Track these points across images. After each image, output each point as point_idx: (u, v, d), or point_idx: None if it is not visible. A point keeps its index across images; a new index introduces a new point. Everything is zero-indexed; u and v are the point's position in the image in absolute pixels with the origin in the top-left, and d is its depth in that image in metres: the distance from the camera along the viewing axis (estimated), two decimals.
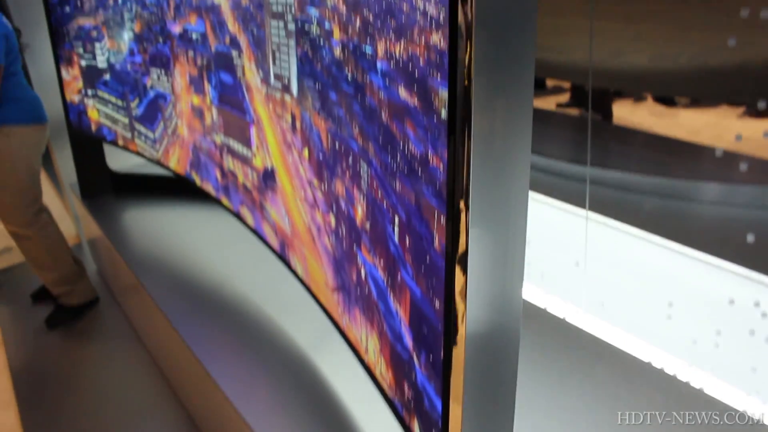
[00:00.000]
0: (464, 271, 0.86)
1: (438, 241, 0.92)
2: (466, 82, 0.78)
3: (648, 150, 2.81)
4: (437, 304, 0.95)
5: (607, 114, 4.28)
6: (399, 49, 0.94)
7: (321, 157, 1.35)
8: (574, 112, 4.40)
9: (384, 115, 1.03)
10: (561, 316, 2.13)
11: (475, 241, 0.85)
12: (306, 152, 1.43)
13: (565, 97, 4.23)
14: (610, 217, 2.41)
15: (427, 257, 0.96)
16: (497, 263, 0.89)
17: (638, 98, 2.93)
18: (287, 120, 1.50)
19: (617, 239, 2.42)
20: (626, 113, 4.12)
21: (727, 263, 2.13)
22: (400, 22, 0.92)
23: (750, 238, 1.95)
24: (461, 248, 0.85)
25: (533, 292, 2.43)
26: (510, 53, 0.80)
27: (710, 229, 2.37)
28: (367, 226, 1.18)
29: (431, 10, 0.83)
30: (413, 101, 0.92)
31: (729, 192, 2.44)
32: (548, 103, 3.88)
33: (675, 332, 2.09)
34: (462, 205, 0.83)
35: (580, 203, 2.43)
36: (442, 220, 0.89)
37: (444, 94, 0.83)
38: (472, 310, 0.88)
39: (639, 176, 2.58)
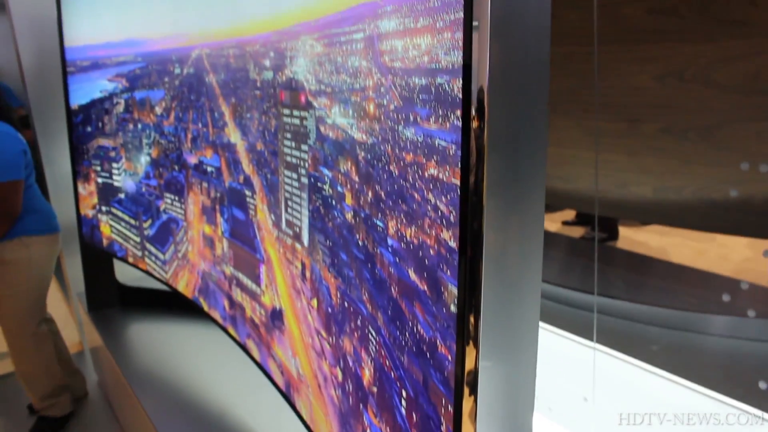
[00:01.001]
0: (474, 397, 0.85)
1: (446, 428, 0.91)
2: (478, 207, 0.80)
3: (655, 278, 2.83)
4: None
5: (613, 232, 4.32)
6: (410, 233, 0.96)
7: (329, 311, 1.36)
8: (579, 231, 4.45)
9: (393, 290, 1.04)
10: None
11: (485, 372, 0.85)
12: (315, 302, 1.44)
13: (570, 215, 4.28)
14: (617, 349, 2.38)
15: None
16: (509, 392, 0.89)
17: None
18: (297, 267, 1.52)
19: (626, 372, 2.38)
20: (631, 232, 4.15)
21: (741, 404, 2.09)
22: (411, 208, 0.95)
23: (763, 385, 1.92)
24: (469, 371, 0.85)
25: (541, 423, 2.38)
26: (521, 179, 0.83)
27: (720, 365, 2.34)
28: (374, 390, 1.17)
29: (442, 207, 0.86)
30: (423, 287, 0.93)
31: (737, 325, 2.43)
32: (552, 222, 3.92)
33: None
34: (472, 324, 0.83)
35: (585, 333, 2.42)
36: (450, 407, 0.89)
37: (454, 290, 0.84)
38: None
39: (646, 306, 2.57)
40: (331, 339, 1.37)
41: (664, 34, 2.35)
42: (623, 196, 2.66)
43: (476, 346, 0.84)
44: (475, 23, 0.79)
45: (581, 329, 2.49)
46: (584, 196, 2.78)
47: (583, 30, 2.57)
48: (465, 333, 0.85)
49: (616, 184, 2.66)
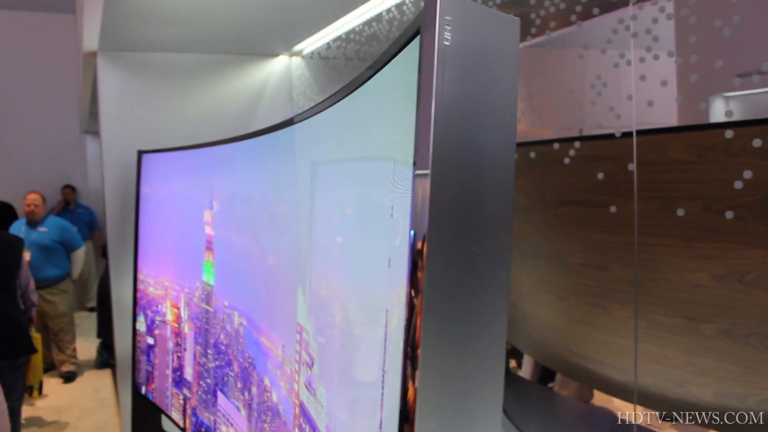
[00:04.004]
0: None
1: None
2: None
3: None
4: None
5: None
6: None
7: None
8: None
9: None
10: None
11: None
12: None
13: None
14: None
15: None
16: None
17: None
18: None
19: None
20: None
21: None
22: None
23: None
24: None
25: None
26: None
27: None
28: None
29: None
30: None
31: None
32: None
33: None
34: None
35: None
36: None
37: None
38: None
39: None
40: None
41: (723, 234, 2.28)
42: (683, 397, 2.50)
43: None
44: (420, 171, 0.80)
45: None
46: (647, 392, 2.63)
47: (644, 220, 2.53)
48: None
49: (674, 382, 2.51)
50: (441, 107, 0.78)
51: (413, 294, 0.76)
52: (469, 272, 0.78)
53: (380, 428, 0.89)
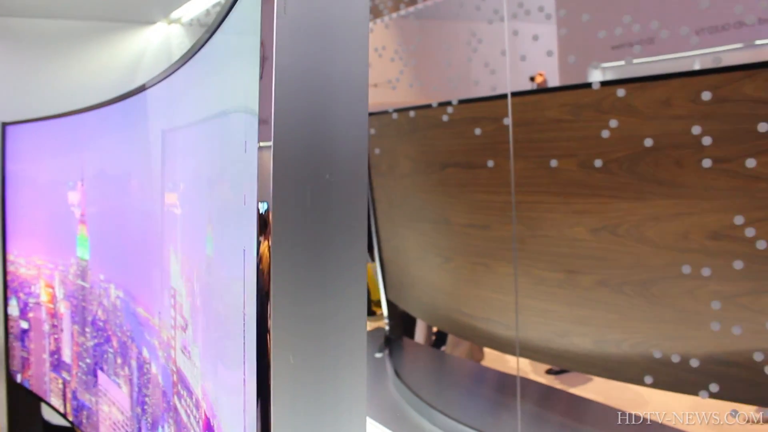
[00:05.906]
0: None
1: None
2: None
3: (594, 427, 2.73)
4: None
5: None
6: None
7: None
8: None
9: None
10: None
11: None
12: None
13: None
14: None
15: None
16: None
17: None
18: None
19: None
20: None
21: None
22: None
23: None
24: None
25: None
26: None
27: None
28: None
29: None
30: None
31: None
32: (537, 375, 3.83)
33: None
34: None
35: None
36: None
37: None
38: None
39: None
40: None
41: (597, 189, 2.38)
42: (565, 347, 2.61)
43: None
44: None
45: None
46: (532, 345, 2.73)
47: (524, 179, 2.60)
48: None
49: (557, 333, 2.62)
50: (282, 73, 0.72)
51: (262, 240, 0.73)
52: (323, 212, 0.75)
53: (243, 366, 0.86)
